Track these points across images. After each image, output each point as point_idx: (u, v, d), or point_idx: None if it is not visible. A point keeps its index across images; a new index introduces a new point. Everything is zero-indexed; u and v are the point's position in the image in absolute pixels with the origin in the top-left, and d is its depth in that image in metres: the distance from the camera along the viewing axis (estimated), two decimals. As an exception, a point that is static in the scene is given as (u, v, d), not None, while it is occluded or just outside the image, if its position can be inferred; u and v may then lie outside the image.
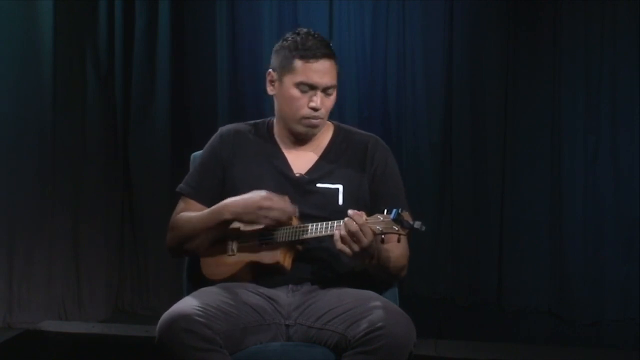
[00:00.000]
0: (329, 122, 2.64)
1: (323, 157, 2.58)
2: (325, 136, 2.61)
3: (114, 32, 4.47)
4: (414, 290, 4.29)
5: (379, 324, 2.23)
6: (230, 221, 2.46)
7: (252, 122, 2.67)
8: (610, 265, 4.31)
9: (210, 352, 2.24)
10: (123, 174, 4.56)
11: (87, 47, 4.46)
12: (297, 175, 2.55)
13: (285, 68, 2.50)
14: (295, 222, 2.44)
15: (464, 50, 4.39)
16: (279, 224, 2.42)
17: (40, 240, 4.35)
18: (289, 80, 2.50)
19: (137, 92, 4.53)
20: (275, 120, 2.62)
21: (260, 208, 2.41)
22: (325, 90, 2.50)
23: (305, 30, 2.54)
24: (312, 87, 2.48)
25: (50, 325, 4.35)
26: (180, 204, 2.60)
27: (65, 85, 4.41)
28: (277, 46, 2.56)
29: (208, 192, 2.57)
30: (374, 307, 2.29)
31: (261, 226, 2.44)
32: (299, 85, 2.49)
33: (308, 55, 2.48)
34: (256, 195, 2.43)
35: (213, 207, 2.49)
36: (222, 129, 2.65)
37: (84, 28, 4.46)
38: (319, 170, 2.56)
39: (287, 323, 2.41)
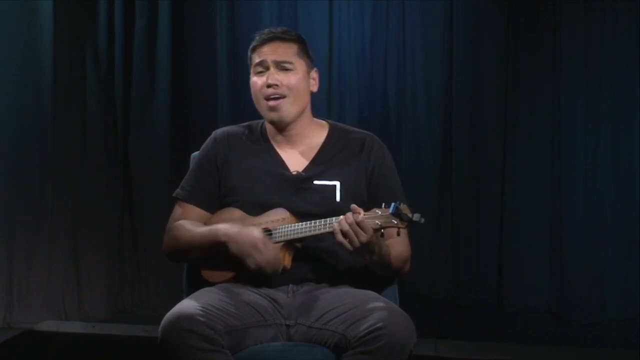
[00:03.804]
0: (324, 122, 2.65)
1: (319, 155, 2.58)
2: (320, 135, 2.62)
3: (114, 31, 4.46)
4: (414, 290, 4.29)
5: (379, 324, 2.24)
6: (224, 244, 2.45)
7: (246, 123, 2.68)
8: (610, 265, 4.32)
9: (212, 352, 2.25)
10: (123, 174, 4.56)
11: (87, 47, 4.46)
12: (293, 173, 2.56)
13: (249, 67, 2.59)
14: (293, 220, 2.44)
15: (464, 50, 4.39)
16: (257, 269, 2.40)
17: (40, 240, 4.35)
18: (251, 73, 2.58)
19: (137, 92, 4.52)
20: None
21: (253, 248, 2.40)
22: (279, 67, 2.53)
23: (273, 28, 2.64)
24: (263, 65, 2.54)
25: (50, 325, 4.34)
26: (177, 209, 2.61)
27: (65, 85, 4.41)
28: None
29: (203, 195, 2.58)
30: (374, 307, 2.30)
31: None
32: (254, 69, 2.57)
33: (256, 42, 2.57)
34: (256, 235, 2.41)
35: (211, 227, 2.49)
36: (216, 132, 2.67)
37: (84, 28, 4.45)
38: (316, 168, 2.56)
39: (287, 323, 2.41)
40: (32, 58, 4.31)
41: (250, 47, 2.59)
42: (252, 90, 2.58)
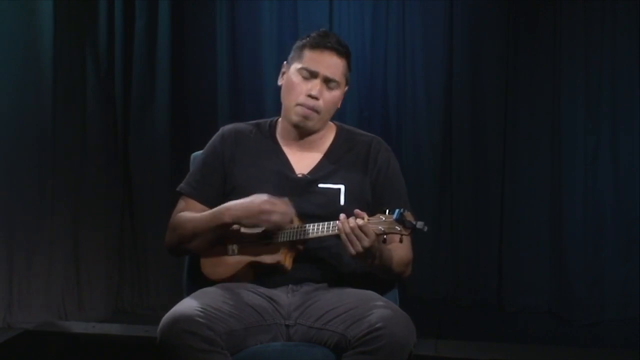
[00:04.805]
0: (332, 123, 2.64)
1: (325, 158, 2.58)
2: (327, 137, 2.62)
3: (114, 31, 4.46)
4: (415, 291, 4.29)
5: (379, 324, 2.23)
6: (230, 224, 2.46)
7: (254, 121, 2.67)
8: (610, 265, 4.32)
9: (211, 353, 2.24)
10: (123, 174, 4.56)
11: (87, 47, 4.45)
12: (299, 175, 2.56)
13: (295, 57, 2.56)
14: (296, 222, 2.44)
15: (464, 51, 4.39)
16: (279, 227, 2.42)
17: (40, 240, 4.35)
18: (294, 67, 2.54)
19: (137, 92, 4.52)
20: (279, 119, 2.63)
21: (262, 212, 2.40)
22: (326, 82, 2.51)
23: (328, 30, 2.59)
24: (313, 75, 2.51)
25: (50, 325, 4.34)
26: (181, 203, 2.60)
27: (65, 85, 4.40)
28: (297, 42, 2.60)
29: (209, 191, 2.57)
30: (374, 307, 2.29)
31: (261, 230, 2.44)
32: (301, 70, 2.52)
33: (316, 44, 2.52)
34: (257, 199, 2.42)
35: (213, 210, 2.49)
36: (224, 129, 2.65)
37: (84, 28, 4.45)
38: (321, 171, 2.56)
39: (287, 323, 2.41)
40: (32, 58, 4.30)
41: (304, 43, 2.54)
42: (287, 86, 2.55)
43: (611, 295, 4.32)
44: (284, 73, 2.59)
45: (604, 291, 4.33)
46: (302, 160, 2.57)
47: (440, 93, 4.42)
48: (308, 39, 2.55)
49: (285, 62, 2.60)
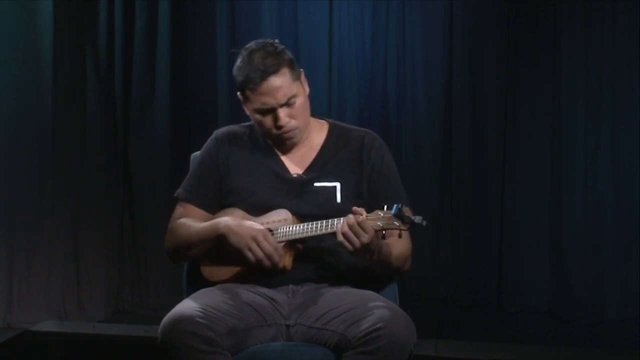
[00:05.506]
0: (324, 121, 2.64)
1: (319, 156, 2.57)
2: (320, 135, 2.61)
3: (114, 31, 4.46)
4: (414, 291, 4.29)
5: (379, 324, 2.23)
6: (224, 235, 2.45)
7: (247, 124, 2.66)
8: (610, 265, 4.32)
9: (212, 353, 2.25)
10: (123, 174, 4.56)
11: (87, 47, 4.46)
12: (294, 175, 2.55)
13: (242, 96, 2.51)
14: (295, 221, 2.44)
15: (464, 51, 4.39)
16: (256, 263, 2.39)
17: (40, 240, 4.35)
18: (249, 108, 2.51)
19: (137, 92, 4.52)
20: None
21: (253, 240, 2.39)
22: (285, 105, 2.46)
23: (252, 46, 2.51)
24: (269, 111, 2.46)
25: (50, 325, 4.34)
26: (179, 209, 2.60)
27: (65, 85, 4.41)
28: (234, 68, 2.52)
29: (205, 196, 2.57)
30: (375, 307, 2.29)
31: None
32: (256, 111, 2.48)
33: (253, 80, 2.43)
34: (257, 228, 2.41)
35: (211, 222, 2.48)
36: (217, 132, 2.65)
37: (84, 28, 4.45)
38: (316, 170, 2.55)
39: (287, 323, 2.41)
40: (32, 58, 4.31)
41: (241, 82, 2.46)
42: (258, 125, 2.51)
43: (611, 295, 4.32)
44: (243, 103, 2.53)
45: (604, 291, 4.33)
46: (296, 161, 2.57)
47: (440, 93, 4.42)
48: (242, 74, 2.45)
49: (238, 93, 2.52)
